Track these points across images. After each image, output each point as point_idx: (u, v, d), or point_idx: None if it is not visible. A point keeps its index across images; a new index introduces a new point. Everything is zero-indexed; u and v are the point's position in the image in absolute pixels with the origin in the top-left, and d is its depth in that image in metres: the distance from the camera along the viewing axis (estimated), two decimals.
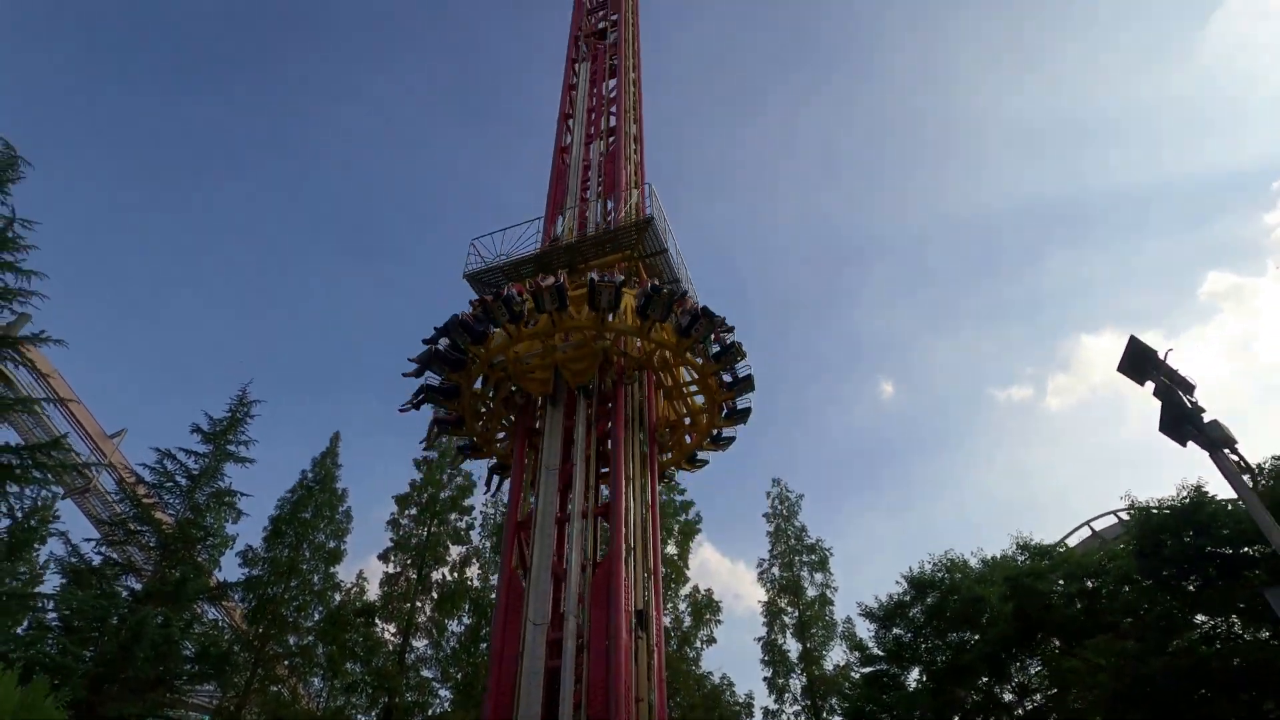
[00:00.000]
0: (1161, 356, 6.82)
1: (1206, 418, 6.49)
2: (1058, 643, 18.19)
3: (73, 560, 24.50)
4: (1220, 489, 14.88)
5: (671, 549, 28.84)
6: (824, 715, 24.84)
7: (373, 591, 30.15)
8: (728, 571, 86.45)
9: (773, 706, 25.94)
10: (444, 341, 16.47)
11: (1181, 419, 6.48)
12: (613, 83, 28.41)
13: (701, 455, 19.67)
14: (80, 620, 22.40)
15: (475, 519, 32.66)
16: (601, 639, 13.30)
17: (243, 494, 28.48)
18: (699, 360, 16.66)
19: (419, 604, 28.99)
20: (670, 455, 19.39)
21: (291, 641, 28.99)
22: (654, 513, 17.12)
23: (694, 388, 17.98)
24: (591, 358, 16.53)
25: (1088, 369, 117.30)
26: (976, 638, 19.98)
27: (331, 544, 31.81)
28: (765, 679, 26.87)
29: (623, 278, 16.73)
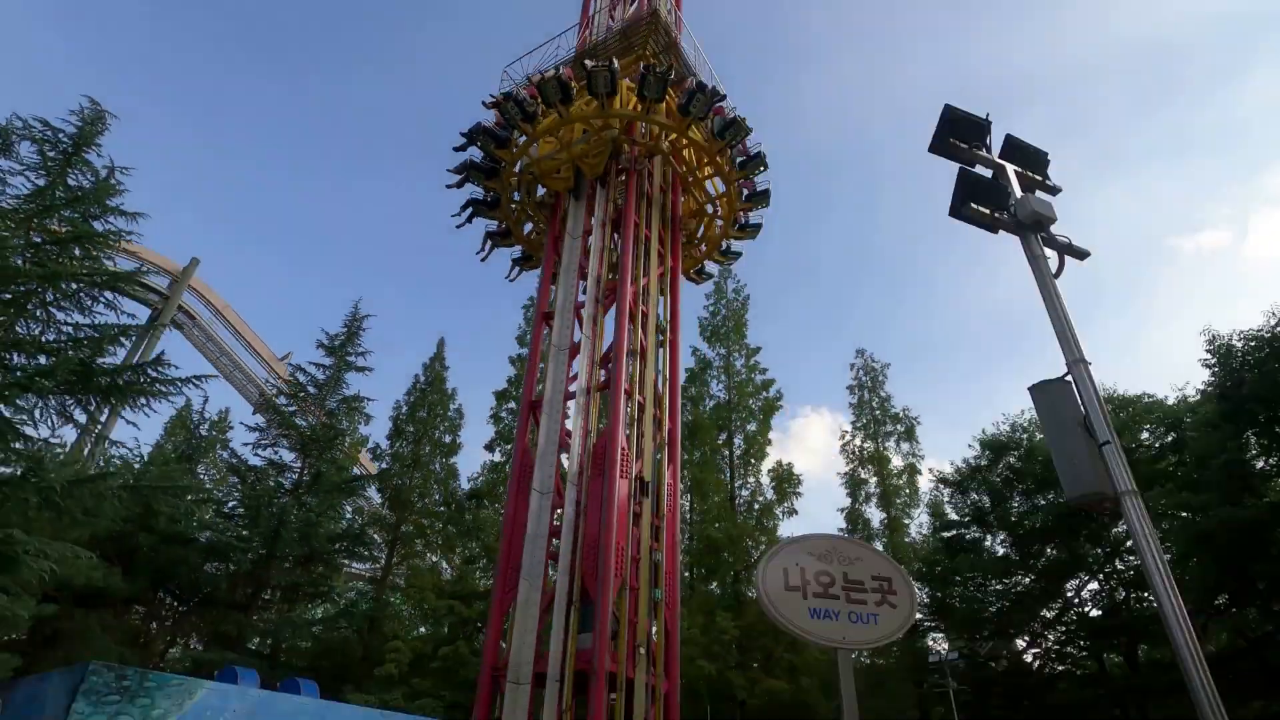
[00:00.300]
0: (985, 120, 5.33)
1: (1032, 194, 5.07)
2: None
3: (233, 461, 29.37)
4: None
5: (752, 426, 28.77)
6: None
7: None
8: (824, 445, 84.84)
9: None
10: (478, 154, 18.12)
11: (973, 194, 5.12)
12: None
13: (735, 248, 20.78)
14: (246, 508, 26.96)
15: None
16: (597, 503, 13.85)
17: (368, 399, 32.08)
18: (705, 142, 16.99)
19: None
20: (704, 249, 20.41)
21: (424, 523, 33.07)
22: (675, 307, 18.08)
23: (709, 170, 18.38)
24: (603, 149, 17.16)
25: None
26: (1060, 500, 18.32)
27: (447, 438, 35.22)
28: None
29: (616, 63, 16.57)
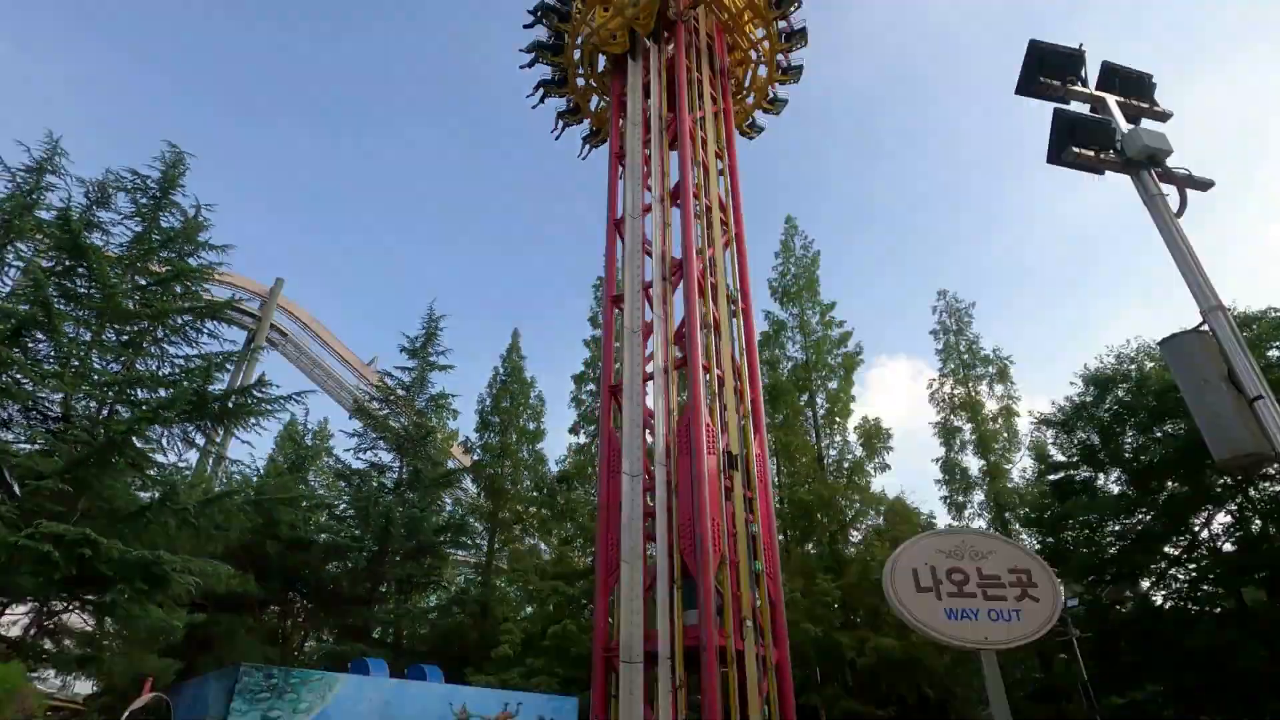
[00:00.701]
0: (1080, 54, 4.77)
1: (1140, 126, 4.52)
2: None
3: (339, 467, 31.17)
4: None
5: (834, 384, 28.09)
6: (1010, 527, 23.34)
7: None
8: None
9: (955, 524, 24.94)
10: (543, 32, 21.04)
11: (1073, 136, 4.58)
12: None
13: (782, 95, 22.47)
14: (355, 510, 28.62)
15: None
16: (688, 481, 13.90)
17: (453, 395, 33.24)
18: None
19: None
20: (751, 100, 22.43)
21: (520, 509, 34.20)
22: (734, 183, 19.47)
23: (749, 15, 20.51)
24: (652, 6, 19.40)
25: None
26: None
27: (531, 425, 36.15)
28: (942, 498, 25.83)
29: None
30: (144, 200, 18.79)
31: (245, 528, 18.65)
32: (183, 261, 18.60)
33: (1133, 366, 18.19)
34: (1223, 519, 17.73)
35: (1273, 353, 14.60)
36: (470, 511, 32.96)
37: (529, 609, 29.14)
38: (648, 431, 15.64)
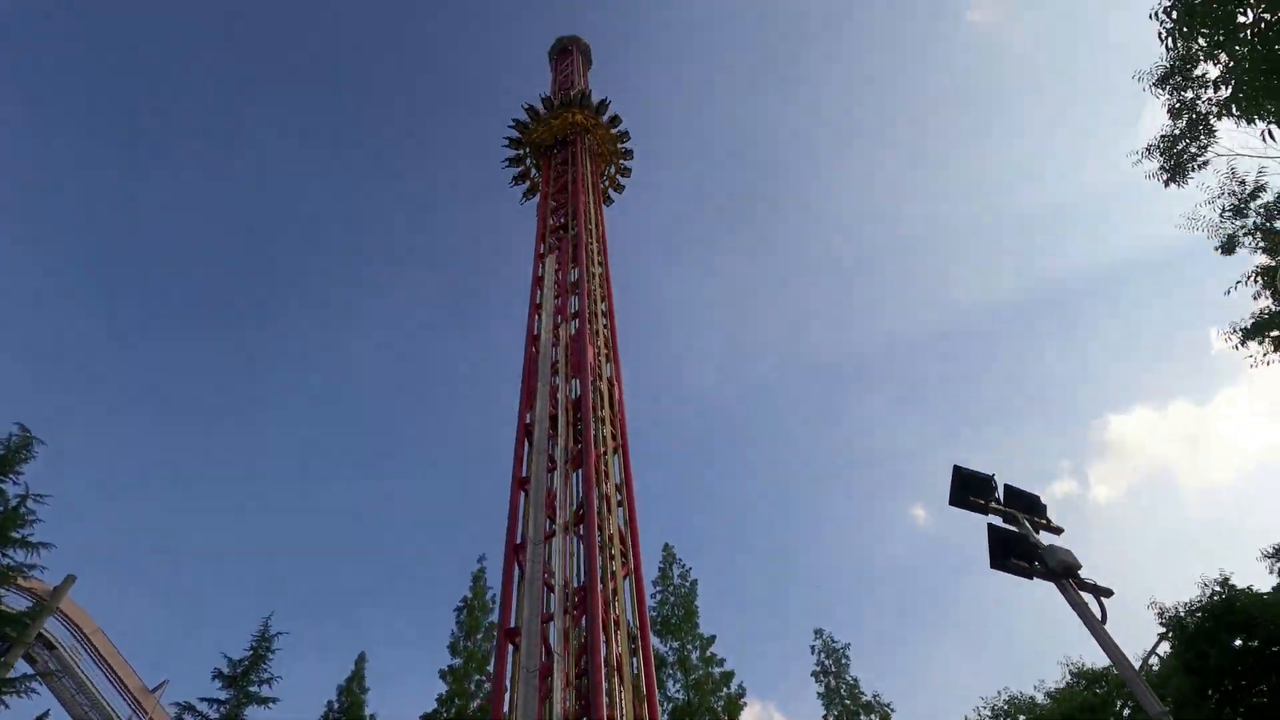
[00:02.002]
0: (993, 481, 6.45)
1: (1049, 540, 5.98)
2: None
3: None
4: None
5: None
6: None
7: None
8: None
9: None
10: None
11: (1011, 552, 5.98)
12: (577, 272, 30.42)
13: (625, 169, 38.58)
14: None
15: None
16: None
17: None
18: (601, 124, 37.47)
19: None
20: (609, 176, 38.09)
21: None
22: (629, 491, 21.80)
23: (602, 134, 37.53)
24: (564, 127, 36.02)
25: (1129, 451, 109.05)
26: None
27: None
28: None
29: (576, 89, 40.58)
30: None
31: None
32: None
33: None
34: None
35: (1125, 709, 15.90)
36: None
37: None
38: None
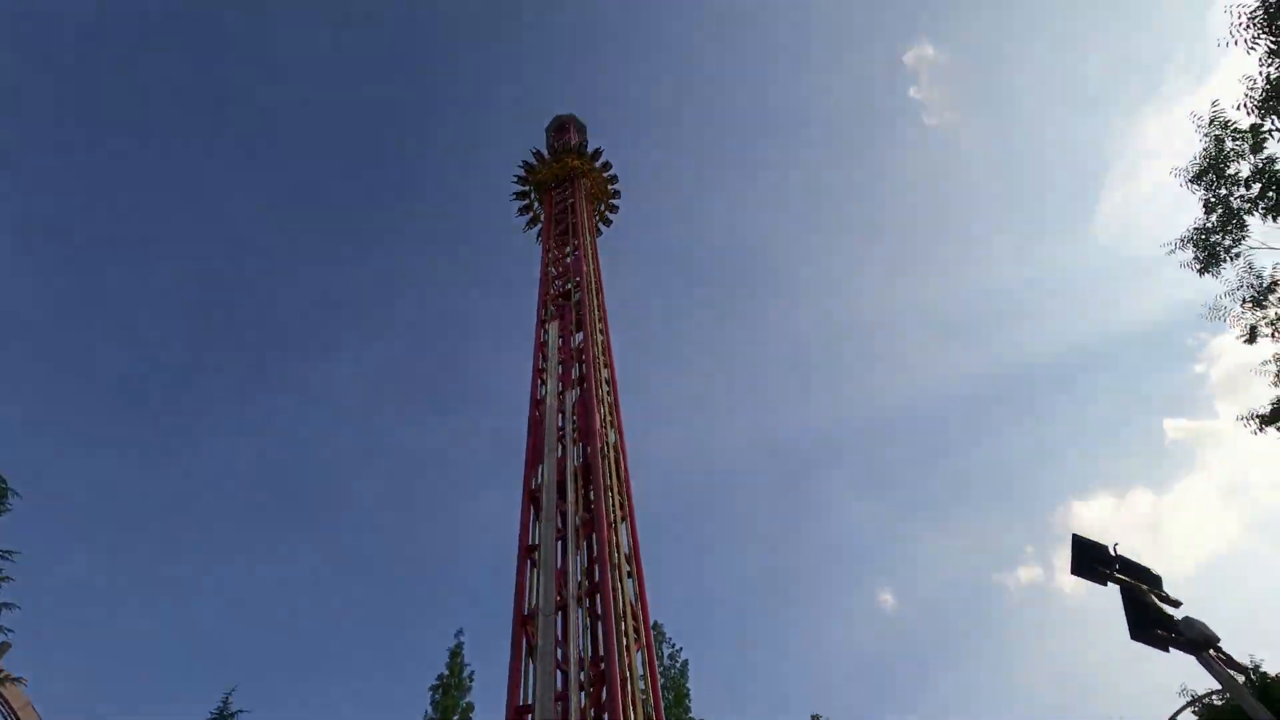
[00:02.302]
0: (1111, 551, 6.54)
1: (1179, 613, 6.03)
2: None
3: None
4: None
5: None
6: None
7: None
8: None
9: None
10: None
11: (1151, 622, 6.01)
12: (580, 335, 30.55)
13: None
14: None
15: None
16: None
17: None
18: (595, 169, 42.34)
19: None
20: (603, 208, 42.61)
21: None
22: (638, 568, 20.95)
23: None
24: (564, 171, 41.25)
25: (1094, 537, 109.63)
26: None
27: None
28: None
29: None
30: None
31: None
32: None
33: None
34: None
35: None
36: None
37: None
38: None
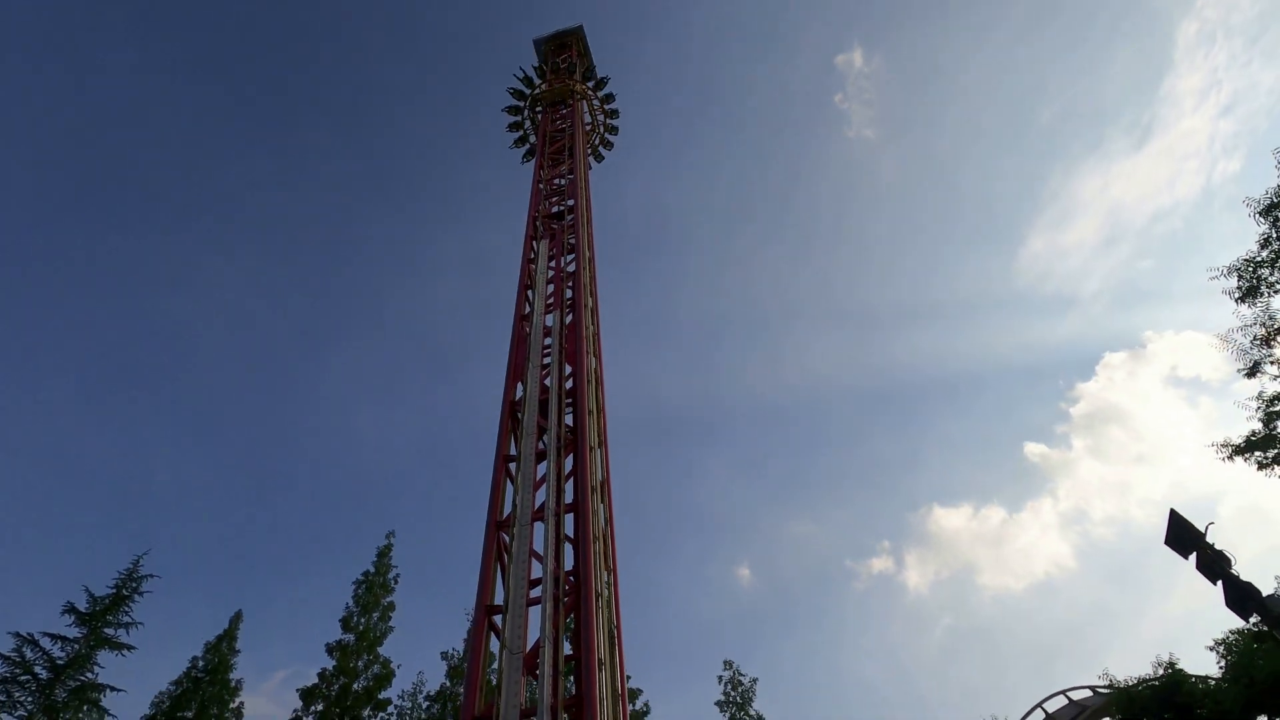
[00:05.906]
0: (1203, 531, 7.09)
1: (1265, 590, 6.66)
2: None
3: None
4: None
5: None
6: None
7: None
8: None
9: None
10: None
11: (1245, 596, 6.60)
12: (569, 257, 29.84)
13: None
14: None
15: (392, 714, 28.65)
16: None
17: (112, 688, 24.35)
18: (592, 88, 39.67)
19: None
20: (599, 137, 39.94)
21: None
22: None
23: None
24: (564, 89, 37.56)
25: (944, 544, 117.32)
26: None
27: None
28: None
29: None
30: None
31: None
32: None
33: None
34: None
35: None
36: None
37: None
38: None
